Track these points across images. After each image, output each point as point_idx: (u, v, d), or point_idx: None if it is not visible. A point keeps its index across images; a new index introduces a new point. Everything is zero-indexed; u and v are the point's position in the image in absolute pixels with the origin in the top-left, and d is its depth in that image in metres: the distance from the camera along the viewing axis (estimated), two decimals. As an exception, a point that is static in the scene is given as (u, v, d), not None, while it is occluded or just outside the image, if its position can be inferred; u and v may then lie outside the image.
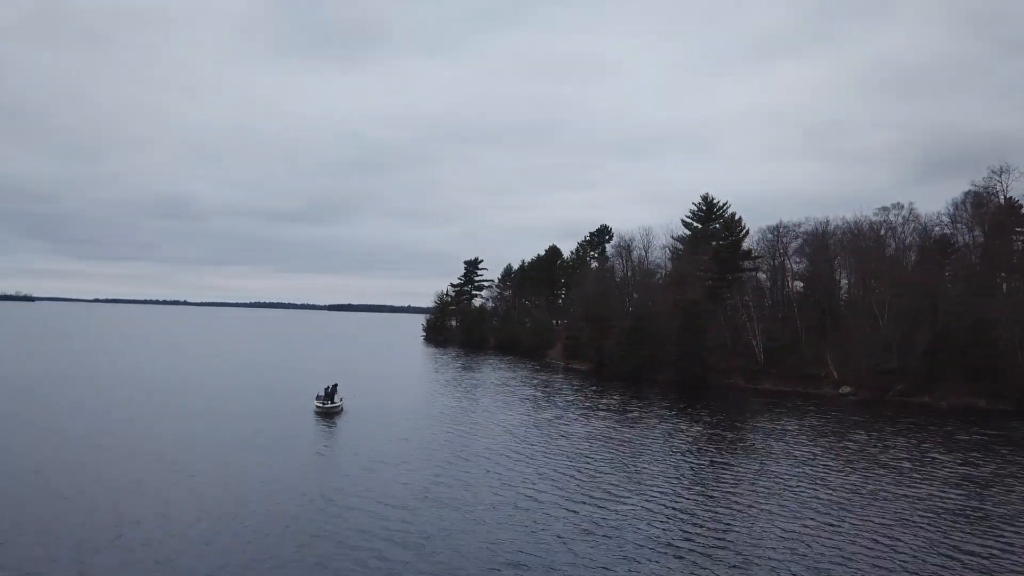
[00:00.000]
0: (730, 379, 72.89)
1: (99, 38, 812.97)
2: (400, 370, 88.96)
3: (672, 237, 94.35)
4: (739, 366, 72.67)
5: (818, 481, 31.55)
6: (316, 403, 47.33)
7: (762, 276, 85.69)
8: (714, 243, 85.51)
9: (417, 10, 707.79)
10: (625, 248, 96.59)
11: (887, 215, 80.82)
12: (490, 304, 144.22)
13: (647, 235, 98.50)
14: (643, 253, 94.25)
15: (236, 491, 27.30)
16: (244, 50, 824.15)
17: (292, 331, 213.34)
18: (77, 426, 40.29)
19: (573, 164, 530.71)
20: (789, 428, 47.30)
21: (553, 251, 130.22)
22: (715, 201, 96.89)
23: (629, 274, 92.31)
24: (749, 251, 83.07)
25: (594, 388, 69.81)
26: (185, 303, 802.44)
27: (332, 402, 47.35)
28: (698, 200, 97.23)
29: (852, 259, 78.72)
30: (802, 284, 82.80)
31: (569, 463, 34.44)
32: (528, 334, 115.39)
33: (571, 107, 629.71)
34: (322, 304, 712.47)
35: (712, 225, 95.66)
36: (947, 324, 62.74)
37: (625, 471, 33.11)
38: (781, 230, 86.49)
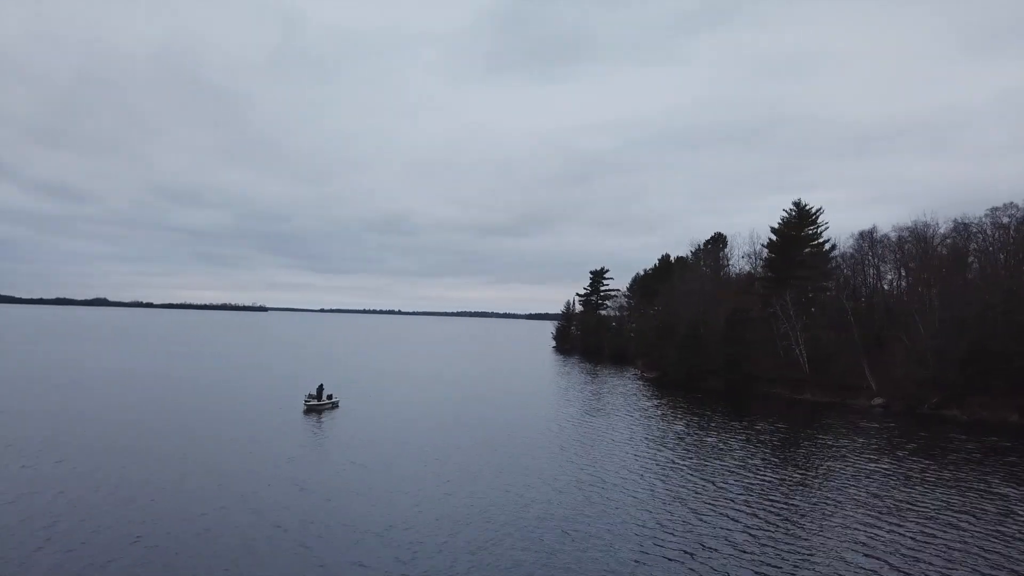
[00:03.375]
0: (774, 388, 72.42)
1: (329, 70, 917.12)
2: (482, 373, 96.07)
3: (762, 245, 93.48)
4: (784, 376, 71.98)
5: (778, 495, 31.65)
6: (304, 401, 55.08)
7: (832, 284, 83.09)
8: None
9: (621, 18, 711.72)
10: (701, 255, 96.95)
11: (995, 216, 75.71)
12: (615, 313, 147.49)
13: (724, 243, 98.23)
14: (724, 261, 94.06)
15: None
16: (458, 71, 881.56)
17: (465, 338, 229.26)
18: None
19: (790, 165, 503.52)
20: (787, 439, 47.48)
21: (666, 260, 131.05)
22: (807, 207, 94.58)
23: (704, 282, 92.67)
24: (807, 259, 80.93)
25: (644, 395, 72.43)
26: (400, 312, 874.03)
27: (319, 400, 55.05)
28: (790, 206, 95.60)
29: (912, 264, 74.77)
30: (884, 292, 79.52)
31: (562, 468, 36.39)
32: (633, 342, 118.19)
33: (786, 105, 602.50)
34: (522, 313, 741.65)
35: (805, 230, 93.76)
36: (989, 332, 58.74)
37: (620, 478, 34.46)
38: (875, 236, 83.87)
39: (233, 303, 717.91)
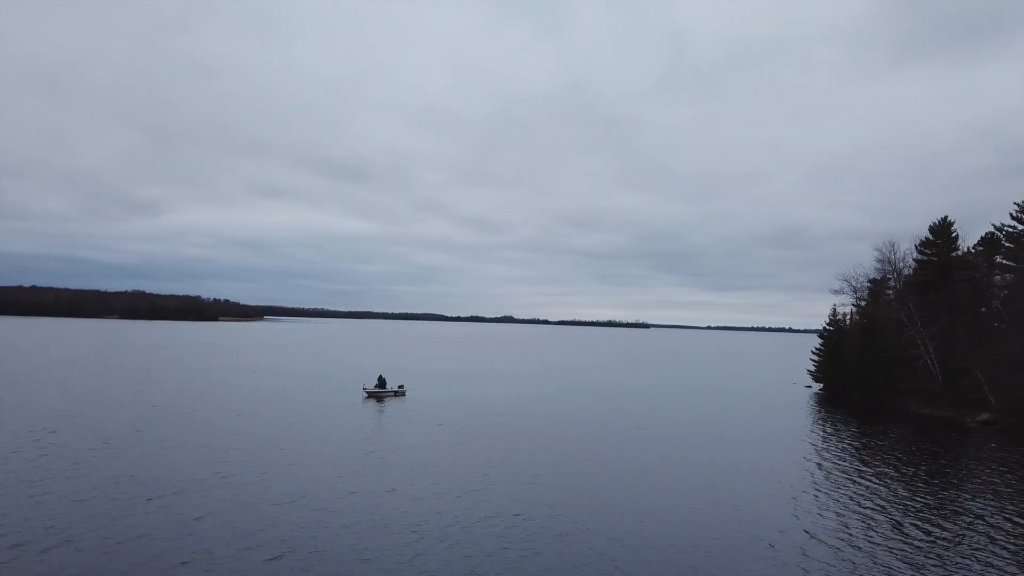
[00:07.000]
0: (905, 401, 66.37)
1: (715, 85, 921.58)
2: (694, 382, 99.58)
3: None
4: (915, 388, 65.63)
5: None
6: (364, 390, 62.01)
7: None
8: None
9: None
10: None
11: None
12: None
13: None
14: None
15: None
16: (860, 65, 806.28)
17: (784, 354, 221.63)
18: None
19: None
20: (860, 456, 42.47)
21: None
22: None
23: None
24: (965, 261, 70.42)
25: (785, 408, 67.98)
26: (790, 330, 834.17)
27: (383, 388, 61.76)
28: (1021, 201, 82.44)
29: None
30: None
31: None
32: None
33: None
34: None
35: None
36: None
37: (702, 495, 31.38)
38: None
39: (617, 320, 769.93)
